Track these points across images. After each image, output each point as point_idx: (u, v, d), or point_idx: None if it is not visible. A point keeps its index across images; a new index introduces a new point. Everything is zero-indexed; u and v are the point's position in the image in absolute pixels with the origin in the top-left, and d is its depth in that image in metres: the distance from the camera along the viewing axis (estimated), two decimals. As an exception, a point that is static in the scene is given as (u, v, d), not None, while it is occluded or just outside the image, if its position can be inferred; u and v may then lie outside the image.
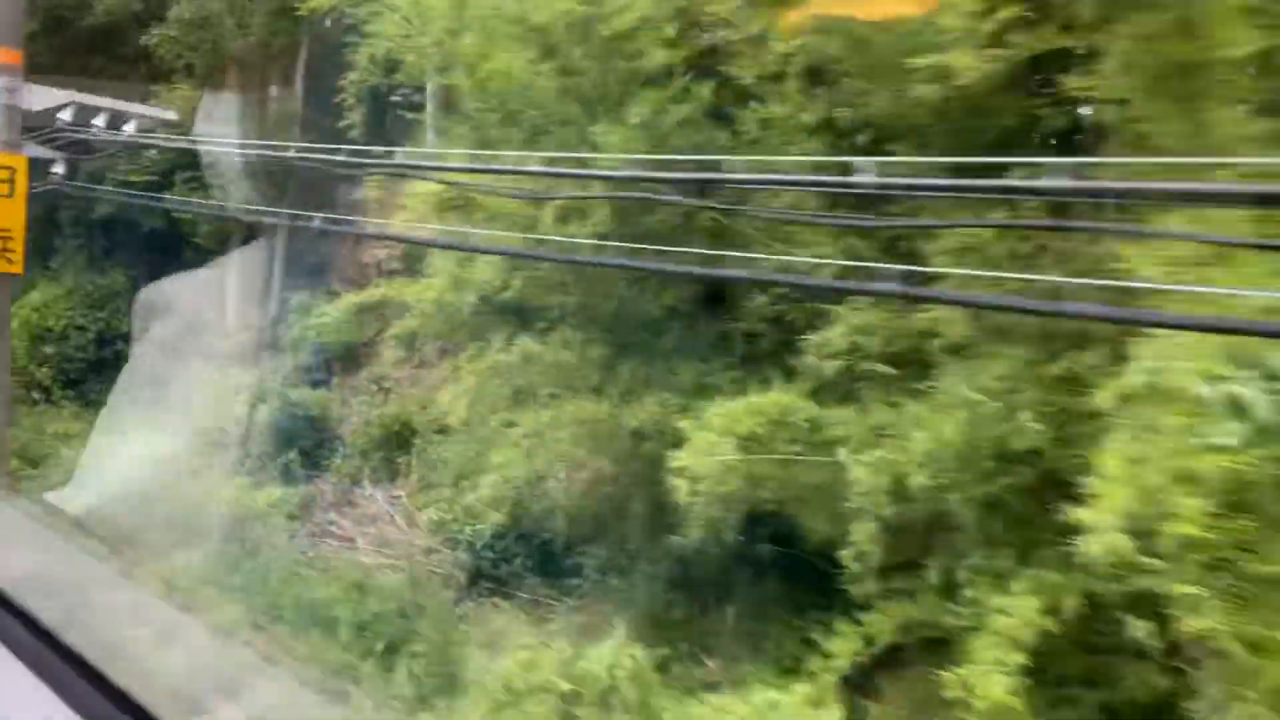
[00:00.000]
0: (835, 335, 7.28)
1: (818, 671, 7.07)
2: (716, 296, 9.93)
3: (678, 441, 8.71)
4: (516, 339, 9.27)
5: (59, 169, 8.98)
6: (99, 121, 8.85)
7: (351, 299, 16.33)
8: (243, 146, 10.28)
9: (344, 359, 20.33)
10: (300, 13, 18.91)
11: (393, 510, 16.40)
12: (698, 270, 7.35)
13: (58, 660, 1.79)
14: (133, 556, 10.43)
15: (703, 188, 7.75)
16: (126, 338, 21.10)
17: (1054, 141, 7.34)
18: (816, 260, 7.55)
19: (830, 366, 7.31)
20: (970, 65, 6.05)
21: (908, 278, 6.29)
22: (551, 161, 7.90)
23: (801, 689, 7.16)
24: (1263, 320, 4.48)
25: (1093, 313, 5.34)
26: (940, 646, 6.52)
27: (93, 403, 19.36)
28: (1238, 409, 4.77)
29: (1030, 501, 6.29)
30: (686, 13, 9.25)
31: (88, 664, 1.78)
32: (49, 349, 21.59)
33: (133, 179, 21.48)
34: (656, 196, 8.19)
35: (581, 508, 10.25)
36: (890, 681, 7.18)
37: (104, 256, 24.78)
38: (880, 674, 7.25)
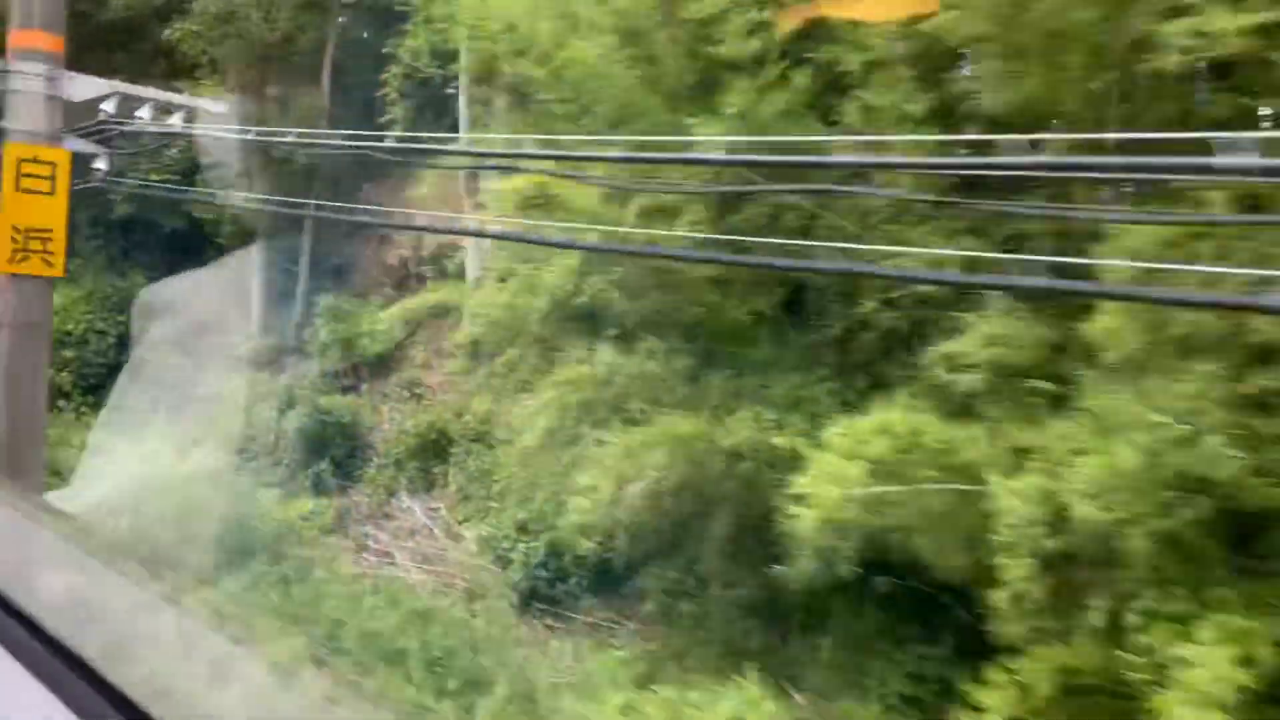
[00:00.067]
0: (968, 345, 6.56)
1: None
2: (803, 302, 9.24)
3: (774, 461, 8.03)
4: (592, 348, 8.56)
5: (101, 164, 8.27)
6: (143, 113, 8.14)
7: (407, 303, 15.55)
8: (301, 138, 9.58)
9: (373, 364, 19.66)
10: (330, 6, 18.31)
11: (432, 524, 15.71)
12: (823, 265, 6.64)
13: (57, 661, 1.77)
14: (173, 579, 9.70)
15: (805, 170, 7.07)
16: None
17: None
18: (937, 252, 6.78)
19: (964, 381, 6.59)
20: (1230, 28, 5.14)
21: (1055, 272, 5.61)
22: (642, 147, 7.18)
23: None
24: None
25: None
26: (1104, 696, 5.81)
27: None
28: None
29: (1213, 536, 5.59)
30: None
31: (87, 665, 1.74)
32: (69, 353, 20.97)
33: (154, 178, 20.88)
34: (756, 187, 7.49)
35: (652, 528, 9.53)
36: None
37: (123, 258, 24.13)
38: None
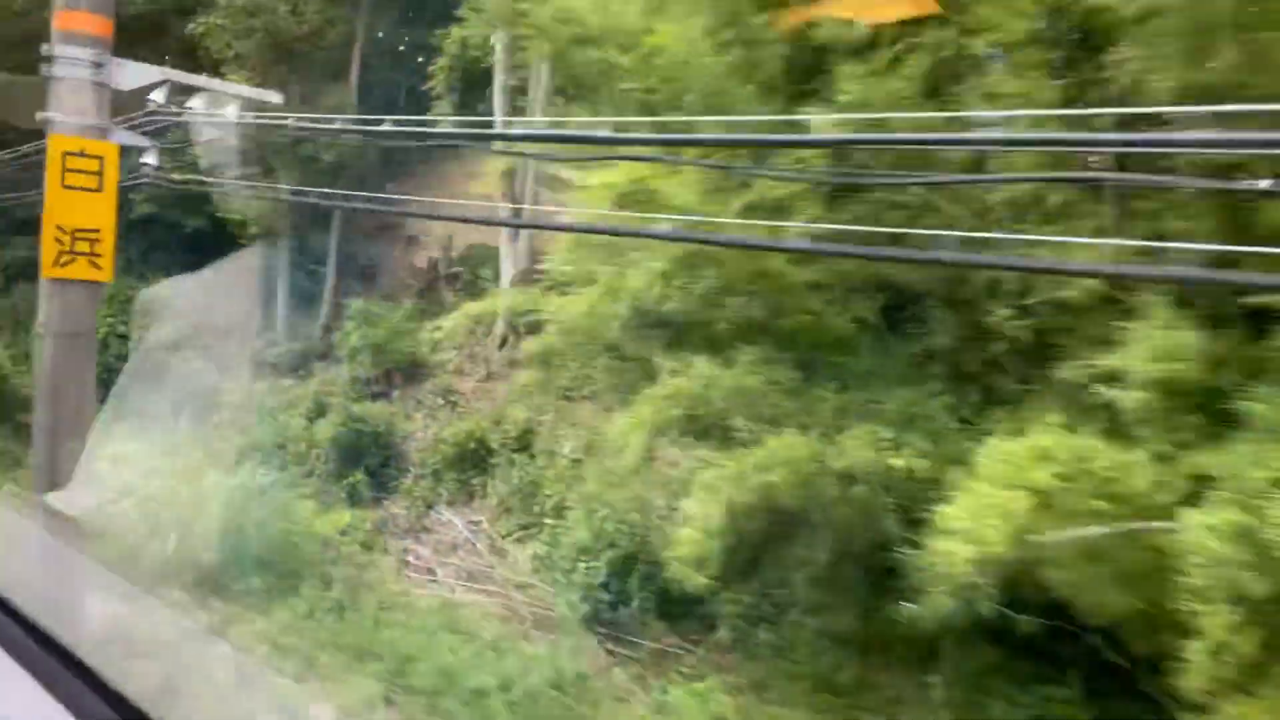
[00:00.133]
0: (1135, 359, 5.84)
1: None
2: (904, 309, 8.53)
3: (889, 484, 7.32)
4: (680, 359, 7.86)
5: (150, 159, 7.59)
6: (195, 104, 7.45)
7: (470, 309, 14.82)
8: (364, 124, 8.91)
9: (405, 370, 18.98)
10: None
11: (474, 538, 15.00)
12: (971, 259, 5.94)
13: (56, 663, 1.76)
14: (221, 608, 9.03)
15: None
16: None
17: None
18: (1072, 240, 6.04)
19: (1127, 398, 5.87)
20: None
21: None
22: (748, 131, 6.45)
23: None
24: None
25: None
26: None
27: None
28: None
29: None
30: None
31: (86, 667, 1.73)
32: (89, 358, 20.32)
33: (174, 176, 20.20)
34: (875, 178, 6.79)
35: (727, 551, 8.79)
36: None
37: (142, 259, 23.46)
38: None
